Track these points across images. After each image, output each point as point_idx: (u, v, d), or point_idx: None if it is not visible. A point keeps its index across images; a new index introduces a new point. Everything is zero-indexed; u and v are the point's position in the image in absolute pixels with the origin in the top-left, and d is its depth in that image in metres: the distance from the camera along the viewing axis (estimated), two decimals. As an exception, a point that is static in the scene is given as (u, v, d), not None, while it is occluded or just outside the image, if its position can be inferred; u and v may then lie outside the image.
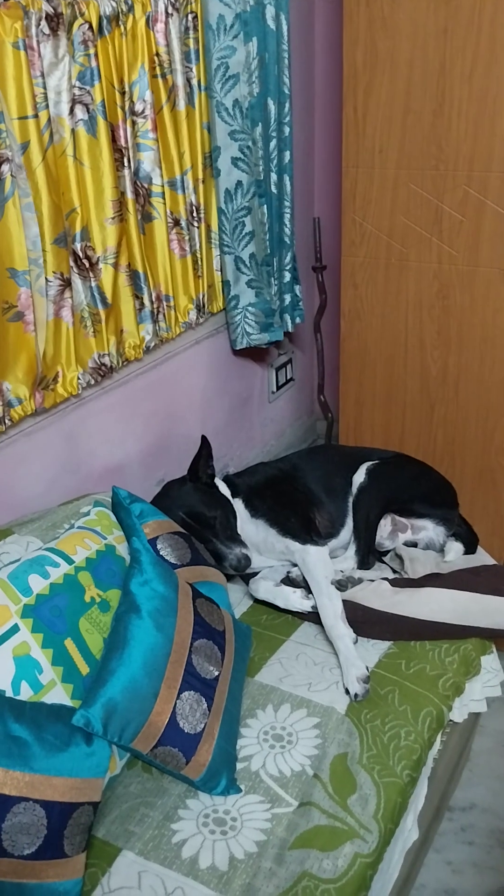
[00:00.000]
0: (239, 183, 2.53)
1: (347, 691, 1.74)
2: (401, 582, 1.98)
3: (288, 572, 2.04)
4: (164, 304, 2.41)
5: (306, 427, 3.48)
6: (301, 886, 1.38)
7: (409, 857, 1.71)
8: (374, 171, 2.35)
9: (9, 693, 1.42)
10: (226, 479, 2.17)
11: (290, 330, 2.85)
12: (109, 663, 1.45)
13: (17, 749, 1.31)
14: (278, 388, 3.16)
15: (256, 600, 2.03)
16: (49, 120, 1.89)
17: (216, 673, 1.56)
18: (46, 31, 1.82)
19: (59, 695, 1.47)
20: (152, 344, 2.36)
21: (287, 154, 2.63)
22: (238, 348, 2.74)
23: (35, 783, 1.31)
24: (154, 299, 2.35)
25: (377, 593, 1.93)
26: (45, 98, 1.87)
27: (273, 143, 2.58)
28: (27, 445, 2.07)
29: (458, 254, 2.31)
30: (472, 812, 2.12)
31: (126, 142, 2.12)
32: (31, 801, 1.30)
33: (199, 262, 2.51)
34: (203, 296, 2.56)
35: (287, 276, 2.79)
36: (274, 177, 2.62)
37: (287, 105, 2.57)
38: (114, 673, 1.43)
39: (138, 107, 2.16)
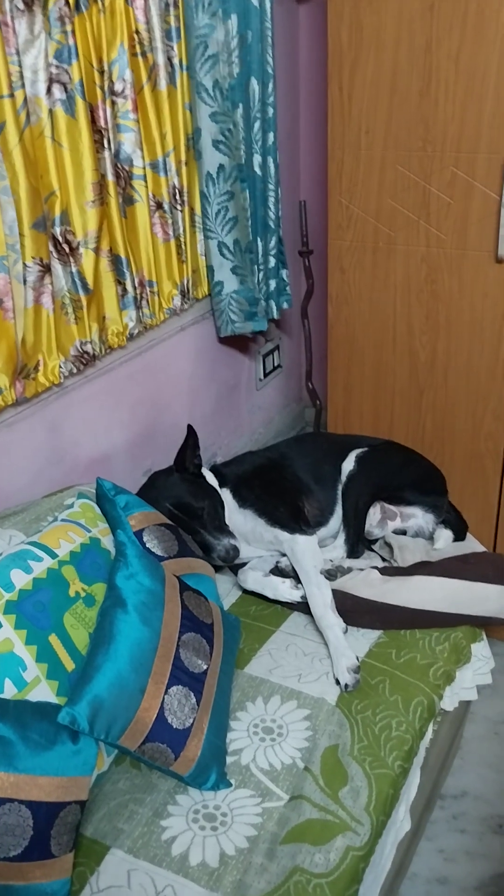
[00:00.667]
0: (221, 166, 2.48)
1: (338, 682, 1.72)
2: (390, 570, 1.95)
3: (277, 562, 2.02)
4: (148, 289, 2.37)
5: (294, 414, 3.44)
6: (293, 881, 1.35)
7: (402, 848, 1.69)
8: (360, 152, 2.30)
9: (-8, 691, 1.39)
10: (213, 469, 2.13)
11: (275, 316, 2.80)
12: (95, 659, 1.41)
13: (1, 749, 1.28)
14: (266, 375, 3.12)
15: (245, 591, 2.01)
16: (25, 100, 1.83)
17: (204, 667, 1.53)
18: (21, 6, 1.76)
19: (43, 692, 1.44)
20: (136, 331, 2.31)
21: (271, 136, 2.58)
22: (223, 336, 2.70)
23: (20, 783, 1.28)
24: (137, 285, 2.31)
25: (367, 582, 1.90)
26: (21, 77, 1.81)
27: (257, 125, 2.53)
28: (8, 437, 2.02)
29: (446, 237, 2.27)
30: (463, 800, 2.11)
31: (106, 123, 2.06)
32: (16, 801, 1.27)
33: (183, 247, 2.46)
34: (187, 281, 2.51)
35: (273, 261, 2.74)
36: (258, 159, 2.57)
37: (271, 85, 2.51)
38: (99, 669, 1.40)
39: (118, 86, 2.10)
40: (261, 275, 2.70)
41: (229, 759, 1.56)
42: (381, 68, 2.19)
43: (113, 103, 2.10)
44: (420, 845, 2.00)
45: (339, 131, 2.30)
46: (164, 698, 1.44)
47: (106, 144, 2.07)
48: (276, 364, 3.18)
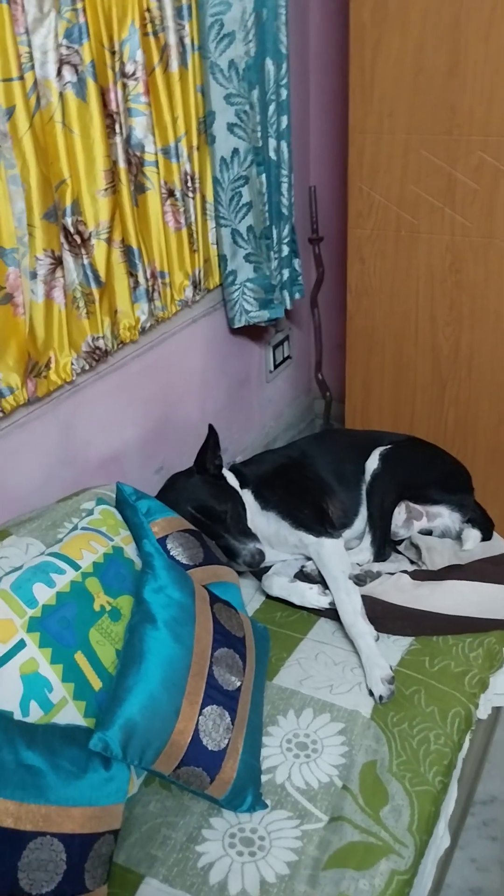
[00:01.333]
0: (235, 150, 2.39)
1: (371, 693, 1.66)
2: (421, 574, 1.88)
3: (302, 566, 1.94)
4: (160, 280, 2.28)
5: (304, 407, 3.36)
6: (338, 911, 1.29)
7: (440, 864, 1.63)
8: (382, 136, 2.20)
9: (17, 715, 1.31)
10: (232, 469, 2.05)
11: (289, 307, 2.72)
12: (126, 680, 1.34)
13: (31, 779, 1.21)
14: (276, 366, 3.04)
15: (269, 596, 1.93)
16: (35, 82, 1.74)
17: (238, 683, 1.45)
18: (31, -19, 1.66)
19: (71, 713, 1.37)
20: (148, 324, 2.23)
21: (285, 119, 2.48)
22: (236, 326, 2.61)
23: (52, 815, 1.20)
24: (149, 276, 2.22)
25: (397, 587, 1.83)
26: (31, 58, 1.72)
27: (272, 108, 2.43)
28: (20, 438, 1.94)
29: (472, 225, 2.18)
30: (493, 806, 2.05)
31: (117, 106, 1.97)
32: (48, 835, 1.19)
33: (195, 236, 2.37)
34: (199, 271, 2.43)
35: (286, 250, 2.65)
36: (273, 143, 2.47)
37: (285, 66, 2.42)
38: (131, 690, 1.32)
39: (129, 68, 2.00)
40: (275, 262, 2.62)
41: (264, 777, 1.49)
42: (406, 48, 2.09)
43: (124, 86, 2.01)
44: (454, 853, 1.95)
45: (360, 115, 2.21)
46: (198, 719, 1.36)
47: (117, 129, 1.98)
48: (285, 355, 3.10)
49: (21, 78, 1.70)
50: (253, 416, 2.96)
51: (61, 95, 1.83)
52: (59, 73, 1.80)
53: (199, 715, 1.37)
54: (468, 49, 2.03)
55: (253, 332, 2.82)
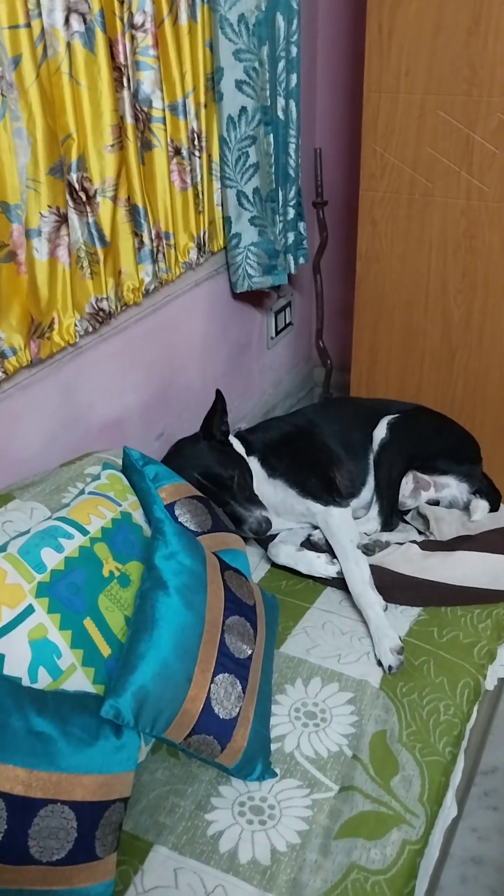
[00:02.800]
0: (243, 109, 2.32)
1: (380, 663, 1.64)
2: (430, 545, 1.86)
3: (309, 535, 1.92)
4: (164, 242, 2.22)
5: (304, 374, 3.32)
6: (350, 880, 1.28)
7: (446, 834, 1.63)
8: (398, 96, 2.14)
9: (25, 681, 1.29)
10: (238, 436, 2.01)
11: (293, 272, 2.67)
12: (137, 647, 1.31)
13: (42, 746, 1.18)
14: (277, 333, 2.99)
15: (275, 564, 1.91)
16: (43, 31, 1.67)
17: (249, 652, 1.43)
18: None
19: (79, 680, 1.34)
20: (152, 286, 2.18)
21: (294, 77, 2.41)
22: (239, 291, 2.56)
23: (62, 783, 1.18)
24: (154, 237, 2.16)
25: (406, 557, 1.81)
26: (38, 4, 1.65)
27: (281, 65, 2.36)
28: (22, 400, 1.89)
29: (490, 189, 2.13)
30: (494, 776, 2.06)
31: (125, 59, 1.90)
32: (59, 802, 1.17)
33: (201, 196, 2.31)
34: (204, 233, 2.37)
35: (291, 213, 2.60)
36: (281, 102, 2.41)
37: (295, 22, 2.34)
38: (143, 657, 1.30)
39: (138, 19, 1.93)
40: (280, 226, 2.56)
41: (272, 747, 1.48)
42: (426, 4, 2.02)
43: (132, 37, 1.94)
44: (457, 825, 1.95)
45: (377, 73, 2.14)
46: (210, 687, 1.34)
47: (125, 83, 1.91)
48: (287, 321, 3.05)
49: (28, 25, 1.63)
50: (253, 382, 2.92)
51: (69, 45, 1.76)
52: (66, 21, 1.73)
53: (211, 683, 1.35)
54: (491, 6, 1.96)
55: (255, 298, 2.77)
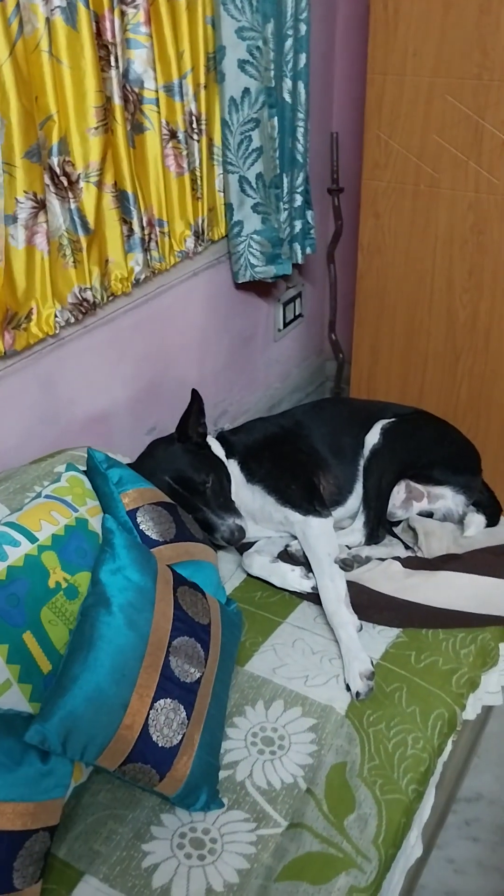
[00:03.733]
0: (246, 90, 2.21)
1: (349, 688, 1.54)
2: (414, 563, 1.75)
3: (287, 545, 1.82)
4: (157, 229, 2.13)
5: (314, 368, 3.21)
6: (287, 928, 1.19)
7: (411, 872, 1.53)
8: (404, 79, 2.00)
9: (-46, 698, 1.22)
10: (220, 437, 1.92)
11: (299, 262, 2.56)
12: (72, 668, 1.24)
13: (-42, 771, 1.11)
14: (285, 325, 2.88)
15: (250, 574, 1.81)
16: (18, 5, 1.58)
17: (198, 675, 1.35)
18: None
19: (14, 697, 1.27)
20: (142, 276, 2.09)
21: (303, 57, 2.29)
22: (241, 281, 2.46)
23: (-22, 811, 1.11)
24: (145, 224, 2.07)
25: (387, 575, 1.70)
26: (13, -22, 1.56)
27: (288, 44, 2.24)
28: (-4, 392, 1.83)
29: (500, 181, 1.98)
30: (477, 804, 1.95)
31: (113, 36, 1.81)
32: (-27, 832, 1.10)
33: (199, 182, 2.21)
34: (202, 220, 2.27)
35: (298, 200, 2.48)
36: (288, 84, 2.29)
37: (305, -2, 2.21)
38: (76, 680, 1.22)
39: (128, -6, 1.83)
40: (285, 214, 2.44)
41: (223, 774, 1.40)
42: (435, -21, 1.89)
43: (122, 13, 1.84)
44: (430, 854, 1.85)
45: (382, 53, 2.01)
46: (149, 713, 1.26)
47: (113, 62, 1.83)
48: (297, 313, 2.94)
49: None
50: (257, 376, 2.82)
51: (48, 21, 1.67)
52: (46, -6, 1.64)
53: (150, 709, 1.26)
54: (504, -18, 1.82)
55: (261, 288, 2.66)
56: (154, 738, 1.26)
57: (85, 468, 1.67)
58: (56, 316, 1.88)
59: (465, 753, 1.82)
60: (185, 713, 1.30)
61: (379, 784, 1.41)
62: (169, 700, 1.29)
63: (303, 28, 2.24)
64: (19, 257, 1.77)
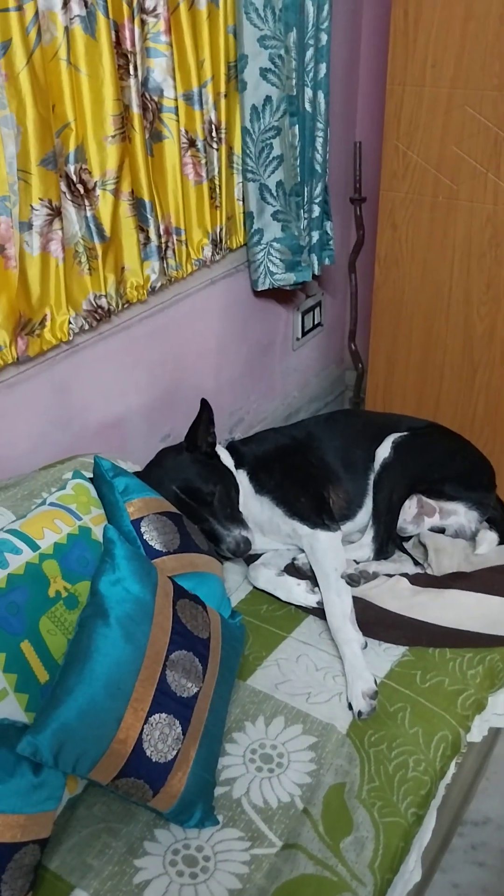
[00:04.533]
0: (268, 98, 2.20)
1: (351, 707, 1.52)
2: (422, 580, 1.72)
3: (294, 559, 1.80)
4: (175, 237, 2.13)
5: (334, 378, 3.19)
6: None
7: (417, 887, 1.50)
8: (423, 89, 1.98)
9: None
10: (230, 447, 1.91)
11: (317, 273, 2.54)
12: (67, 680, 1.23)
13: None
14: (304, 333, 2.86)
15: (257, 587, 1.80)
16: (37, 14, 1.59)
17: (195, 690, 1.33)
18: None
19: (10, 706, 1.27)
20: (158, 284, 2.09)
21: (323, 67, 2.28)
22: (260, 289, 2.45)
23: (-33, 822, 1.11)
24: (162, 232, 2.07)
25: (394, 592, 1.68)
26: (32, -14, 1.57)
27: (309, 54, 2.23)
28: (8, 398, 1.84)
29: (519, 195, 1.97)
30: (485, 828, 1.92)
31: (133, 45, 1.81)
32: (-39, 843, 1.10)
33: (218, 190, 2.20)
34: (221, 229, 2.27)
35: (316, 211, 2.46)
36: (308, 93, 2.28)
37: (327, 8, 2.21)
38: (70, 692, 1.21)
39: (149, 3, 1.84)
40: (305, 223, 2.43)
41: (220, 790, 1.38)
42: (456, -11, 1.87)
43: (142, 22, 1.84)
44: (433, 878, 1.82)
45: (401, 64, 1.99)
46: (143, 728, 1.25)
47: (132, 71, 1.83)
48: (316, 322, 2.92)
49: (20, 8, 1.56)
50: (275, 385, 2.80)
51: (67, 30, 1.67)
52: (65, 4, 1.65)
53: (145, 724, 1.25)
54: (527, -7, 1.80)
55: (280, 296, 2.65)
56: (148, 753, 1.25)
57: (92, 475, 1.66)
58: (70, 322, 1.88)
59: (471, 776, 1.79)
60: (180, 728, 1.29)
61: (378, 806, 1.38)
62: (164, 715, 1.28)
63: (324, 38, 2.23)
64: (34, 264, 1.78)
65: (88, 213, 1.84)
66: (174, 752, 1.28)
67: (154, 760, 1.25)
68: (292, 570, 1.78)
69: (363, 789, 1.40)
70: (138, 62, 1.85)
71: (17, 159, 1.65)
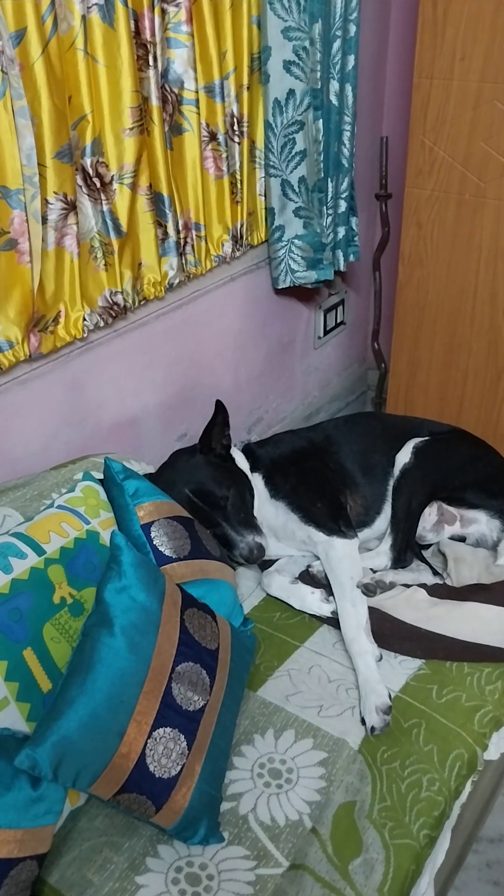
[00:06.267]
0: (291, 92, 2.14)
1: (364, 721, 1.47)
2: (440, 591, 1.67)
3: (309, 566, 1.76)
4: (194, 233, 2.08)
5: (356, 377, 3.13)
6: None
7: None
8: (452, 83, 1.92)
9: None
10: (246, 449, 1.86)
11: (341, 269, 2.48)
12: (69, 691, 1.19)
13: None
14: (326, 332, 2.80)
15: (270, 594, 1.75)
16: (53, 2, 1.55)
17: (201, 703, 1.29)
18: None
19: (11, 716, 1.24)
20: (176, 280, 2.04)
21: (351, 59, 2.21)
22: (281, 287, 2.39)
23: (-37, 836, 1.07)
24: (181, 228, 2.02)
25: (411, 603, 1.63)
26: (48, -25, 1.52)
27: (336, 45, 2.17)
28: (21, 395, 1.80)
29: (549, 193, 1.90)
30: (500, 845, 1.86)
31: (153, 35, 1.76)
32: (-44, 858, 1.07)
33: (239, 185, 2.15)
34: (241, 225, 2.21)
35: (343, 206, 2.40)
36: (335, 86, 2.22)
37: (355, -2, 2.14)
38: (72, 704, 1.18)
39: (170, -8, 1.78)
40: (329, 219, 2.37)
41: (226, 805, 1.34)
42: (488, -22, 1.80)
43: (163, 12, 1.79)
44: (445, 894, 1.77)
45: (429, 57, 1.93)
46: (146, 742, 1.21)
47: (151, 62, 1.78)
48: (338, 320, 2.86)
49: (35, -4, 1.51)
50: (295, 384, 2.75)
51: (85, 20, 1.63)
52: (83, -8, 1.60)
53: (148, 738, 1.21)
54: None
55: (302, 294, 2.60)
56: (151, 769, 1.21)
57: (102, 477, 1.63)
58: (85, 319, 1.84)
59: (487, 794, 1.73)
60: (185, 743, 1.25)
61: (389, 827, 1.33)
62: (169, 729, 1.24)
63: (352, 29, 2.17)
64: (48, 259, 1.74)
65: (105, 208, 1.80)
66: (178, 768, 1.24)
67: (157, 776, 1.21)
68: (307, 577, 1.74)
69: (374, 809, 1.35)
70: (158, 53, 1.80)
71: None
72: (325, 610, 1.65)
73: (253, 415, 2.59)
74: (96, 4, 1.64)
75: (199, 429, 2.07)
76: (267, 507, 1.77)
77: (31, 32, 1.53)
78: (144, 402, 2.15)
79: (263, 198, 2.29)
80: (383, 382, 3.09)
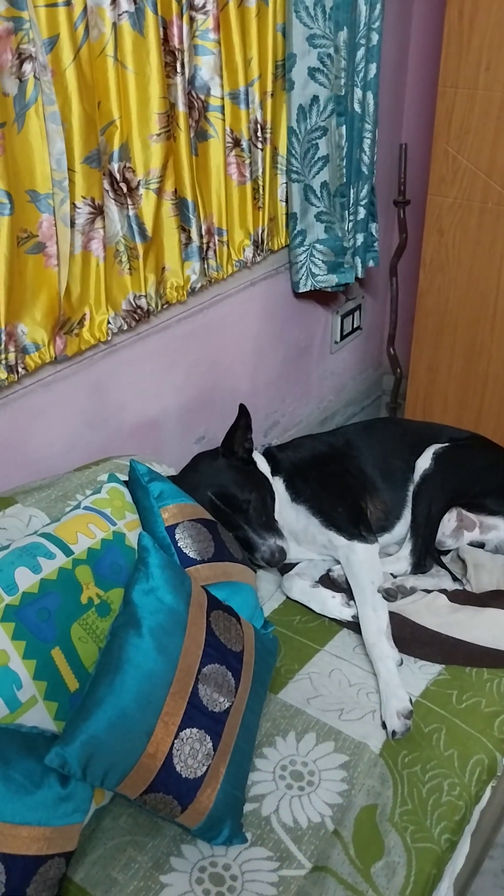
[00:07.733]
0: (315, 98, 2.16)
1: (384, 725, 1.48)
2: (460, 597, 1.68)
3: (329, 570, 1.77)
4: (216, 238, 2.10)
5: (371, 381, 3.14)
6: None
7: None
8: (476, 92, 1.93)
9: (-22, 712, 1.20)
10: (266, 453, 1.87)
11: (360, 275, 2.49)
12: (97, 690, 1.20)
13: (-24, 790, 1.09)
14: (342, 337, 2.82)
15: (290, 598, 1.77)
16: (85, 9, 1.57)
17: (227, 705, 1.30)
18: None
19: (39, 714, 1.25)
20: (199, 285, 2.06)
21: (374, 67, 2.23)
22: (301, 291, 2.41)
23: (-6, 832, 1.09)
24: (204, 233, 2.04)
25: (431, 609, 1.64)
26: (80, -18, 1.54)
27: (360, 54, 2.18)
28: (45, 397, 1.82)
29: None
30: (516, 851, 1.87)
31: (181, 43, 1.78)
32: (-13, 853, 1.08)
33: (261, 191, 2.17)
34: (263, 230, 2.23)
35: (362, 213, 2.42)
36: (357, 93, 2.23)
37: (379, 6, 2.16)
38: (100, 704, 1.19)
39: (198, 0, 1.79)
40: (350, 224, 2.39)
41: (249, 807, 1.35)
42: (515, -11, 1.81)
43: (191, 20, 1.81)
44: (461, 899, 1.77)
45: (454, 65, 1.94)
46: (173, 743, 1.22)
47: (179, 69, 1.80)
48: (355, 325, 2.87)
49: (68, 3, 1.53)
50: (311, 388, 2.76)
51: (115, 27, 1.65)
52: (114, 0, 1.62)
53: (175, 738, 1.23)
54: None
55: (320, 299, 2.61)
56: (178, 769, 1.22)
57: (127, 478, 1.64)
58: (109, 322, 1.86)
59: (504, 799, 1.74)
60: (211, 744, 1.26)
61: (410, 831, 1.34)
62: (195, 730, 1.25)
63: (375, 37, 2.19)
64: (75, 262, 1.76)
65: (131, 213, 1.82)
66: (204, 768, 1.25)
67: (184, 776, 1.23)
68: (327, 581, 1.75)
69: (395, 812, 1.36)
70: (186, 60, 1.82)
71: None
72: (345, 614, 1.66)
73: (269, 418, 2.61)
74: (127, 12, 1.66)
75: (218, 432, 2.09)
76: (288, 511, 1.78)
77: (64, 39, 1.55)
78: (165, 404, 2.16)
79: (284, 203, 2.30)
80: (398, 387, 3.10)
